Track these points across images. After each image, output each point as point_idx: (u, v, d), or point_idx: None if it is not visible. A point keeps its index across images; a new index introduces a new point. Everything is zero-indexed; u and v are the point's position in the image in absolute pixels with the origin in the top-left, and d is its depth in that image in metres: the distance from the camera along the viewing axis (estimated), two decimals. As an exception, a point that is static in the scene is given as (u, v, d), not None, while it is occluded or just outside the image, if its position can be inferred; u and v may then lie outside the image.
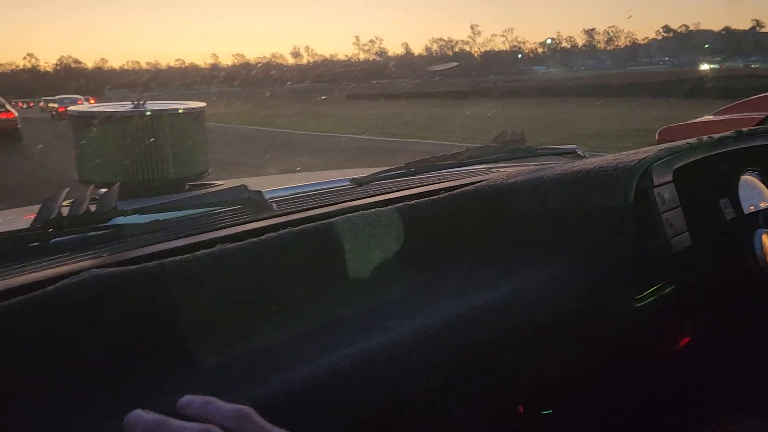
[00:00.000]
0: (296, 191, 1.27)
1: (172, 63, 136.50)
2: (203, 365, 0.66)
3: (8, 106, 16.17)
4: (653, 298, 1.00)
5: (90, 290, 0.64)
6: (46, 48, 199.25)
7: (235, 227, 0.92)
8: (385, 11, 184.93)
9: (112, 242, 0.88)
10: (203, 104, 1.38)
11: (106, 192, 1.08)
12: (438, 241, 1.00)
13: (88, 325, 0.63)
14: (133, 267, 0.68)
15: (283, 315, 0.77)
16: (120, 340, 0.64)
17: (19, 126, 15.84)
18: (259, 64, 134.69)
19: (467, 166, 1.34)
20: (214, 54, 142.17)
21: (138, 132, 1.27)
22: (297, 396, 0.61)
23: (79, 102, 30.07)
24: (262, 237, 0.81)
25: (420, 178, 1.28)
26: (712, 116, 4.27)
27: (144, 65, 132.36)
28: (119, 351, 0.64)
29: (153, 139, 1.29)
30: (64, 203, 0.95)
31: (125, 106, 1.32)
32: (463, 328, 0.78)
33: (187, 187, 1.36)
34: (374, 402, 0.67)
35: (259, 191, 1.03)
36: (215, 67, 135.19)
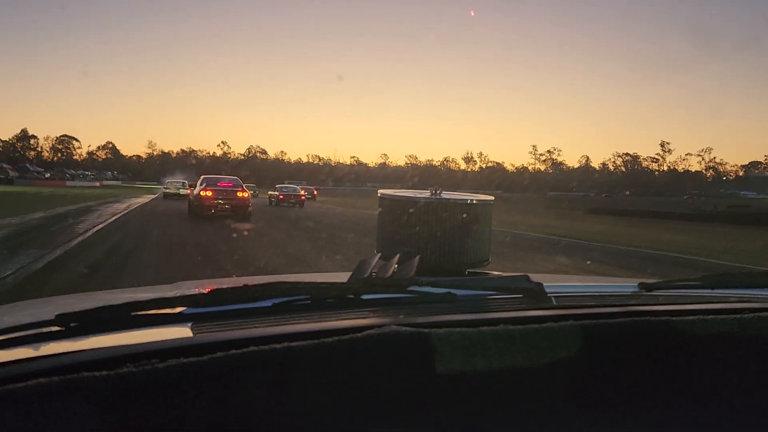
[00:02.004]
0: (578, 289, 1.34)
1: (346, 159, 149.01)
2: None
3: (245, 186, 19.02)
4: None
5: (388, 343, 0.78)
6: (236, 137, 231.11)
7: (514, 312, 1.02)
8: (566, 122, 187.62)
9: (409, 305, 1.05)
10: (492, 198, 1.56)
11: (407, 263, 1.27)
12: (735, 363, 0.95)
13: (381, 372, 0.76)
14: (426, 330, 0.80)
15: (568, 404, 0.82)
16: (399, 390, 0.76)
17: (250, 205, 18.53)
18: (425, 166, 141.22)
19: None
20: (384, 154, 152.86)
21: (434, 217, 1.48)
22: None
23: (303, 191, 35.52)
24: (543, 325, 0.87)
25: (718, 294, 1.25)
26: None
27: (317, 161, 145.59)
28: (396, 398, 0.75)
29: (446, 225, 1.48)
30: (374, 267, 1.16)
31: (424, 194, 1.53)
32: None
33: (467, 272, 1.51)
34: None
35: (540, 283, 1.11)
36: (383, 167, 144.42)
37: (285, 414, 0.71)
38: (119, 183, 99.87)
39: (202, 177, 19.34)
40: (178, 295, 0.99)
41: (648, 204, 47.21)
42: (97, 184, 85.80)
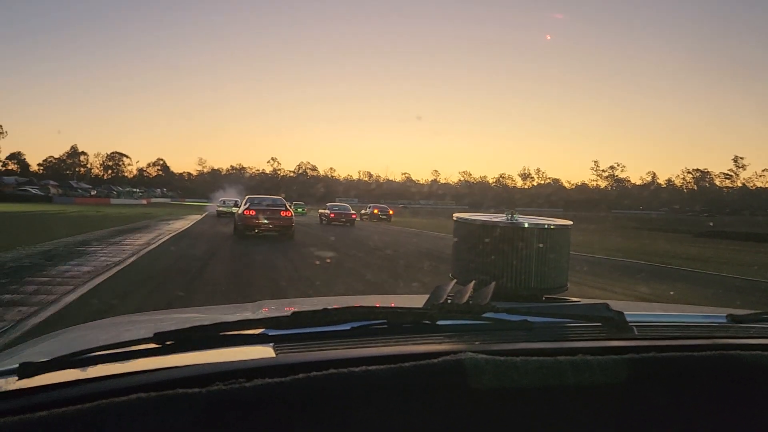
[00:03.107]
0: (662, 319, 1.33)
1: (397, 176, 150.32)
2: None
3: (288, 206, 19.85)
4: None
5: (464, 369, 0.79)
6: (286, 153, 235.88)
7: (593, 341, 1.02)
8: (630, 136, 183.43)
9: (485, 332, 1.06)
10: (570, 222, 1.57)
11: (483, 289, 1.29)
12: None
13: (456, 398, 0.78)
14: (502, 358, 0.81)
15: None
16: (473, 416, 0.77)
17: (293, 224, 19.09)
18: (480, 183, 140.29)
19: None
20: (435, 170, 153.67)
21: (509, 242, 1.51)
22: None
23: (376, 210, 35.38)
24: (624, 356, 0.86)
25: None
26: None
27: (367, 178, 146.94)
28: (470, 424, 0.77)
29: (523, 253, 1.51)
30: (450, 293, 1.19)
31: (499, 217, 1.56)
32: None
33: (544, 298, 1.53)
34: None
35: (621, 312, 1.10)
36: (434, 183, 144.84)
37: None
38: (168, 200, 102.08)
39: (246, 197, 20.31)
40: (261, 317, 1.05)
41: (739, 224, 44.54)
42: (144, 201, 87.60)
